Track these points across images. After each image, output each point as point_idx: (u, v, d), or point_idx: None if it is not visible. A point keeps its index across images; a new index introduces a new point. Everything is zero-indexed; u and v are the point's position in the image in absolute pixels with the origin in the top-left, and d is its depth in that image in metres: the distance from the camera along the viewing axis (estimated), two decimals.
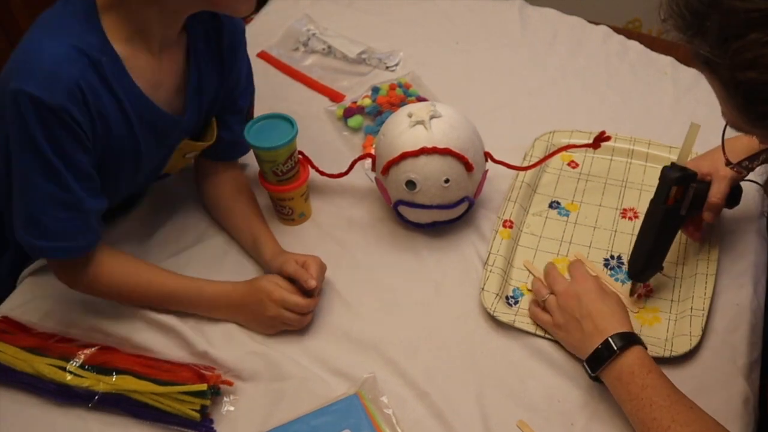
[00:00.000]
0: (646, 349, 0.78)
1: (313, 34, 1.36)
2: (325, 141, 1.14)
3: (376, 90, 1.23)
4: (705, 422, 0.70)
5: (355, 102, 1.21)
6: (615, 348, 0.76)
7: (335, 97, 1.25)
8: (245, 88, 1.00)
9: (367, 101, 1.21)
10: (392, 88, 1.23)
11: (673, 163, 0.86)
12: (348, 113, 1.19)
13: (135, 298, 0.91)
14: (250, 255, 0.99)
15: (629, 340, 0.77)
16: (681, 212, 0.87)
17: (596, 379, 0.80)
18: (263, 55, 1.34)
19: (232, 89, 0.97)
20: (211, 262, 0.99)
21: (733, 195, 0.91)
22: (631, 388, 0.74)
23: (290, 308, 0.88)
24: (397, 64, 1.30)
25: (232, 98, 0.98)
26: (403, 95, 1.21)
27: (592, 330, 0.79)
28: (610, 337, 0.77)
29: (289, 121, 0.96)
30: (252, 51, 1.33)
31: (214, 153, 1.00)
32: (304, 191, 1.02)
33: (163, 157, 0.94)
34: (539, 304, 0.87)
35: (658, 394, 0.72)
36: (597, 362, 0.78)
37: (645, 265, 0.88)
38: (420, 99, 1.21)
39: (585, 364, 0.80)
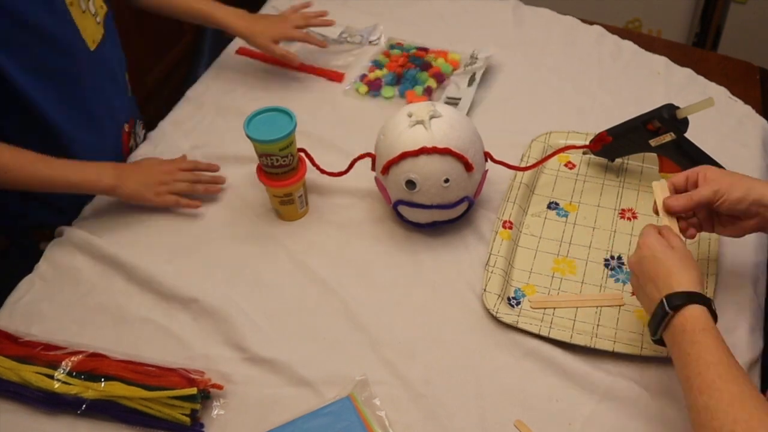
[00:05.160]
0: (709, 307, 0.73)
1: None
2: (342, 120, 1.17)
3: (376, 63, 1.26)
4: (749, 384, 0.68)
5: (367, 77, 1.23)
6: (667, 309, 0.73)
7: (334, 76, 1.25)
8: None
9: (379, 72, 1.23)
10: (386, 55, 1.27)
11: (674, 107, 0.92)
12: (374, 86, 1.21)
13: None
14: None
15: (686, 299, 0.73)
16: (651, 143, 0.95)
17: (661, 343, 0.76)
18: (243, 51, 1.32)
19: None
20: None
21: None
22: (682, 346, 0.71)
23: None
24: (379, 38, 1.33)
25: None
26: (404, 54, 1.26)
27: (655, 294, 0.75)
28: (664, 297, 0.73)
29: (288, 114, 0.96)
30: (231, 49, 1.33)
31: None
32: (300, 187, 1.00)
33: None
34: None
35: (706, 350, 0.70)
36: (653, 325, 0.75)
37: (611, 141, 1.00)
38: (420, 48, 1.27)
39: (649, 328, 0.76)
